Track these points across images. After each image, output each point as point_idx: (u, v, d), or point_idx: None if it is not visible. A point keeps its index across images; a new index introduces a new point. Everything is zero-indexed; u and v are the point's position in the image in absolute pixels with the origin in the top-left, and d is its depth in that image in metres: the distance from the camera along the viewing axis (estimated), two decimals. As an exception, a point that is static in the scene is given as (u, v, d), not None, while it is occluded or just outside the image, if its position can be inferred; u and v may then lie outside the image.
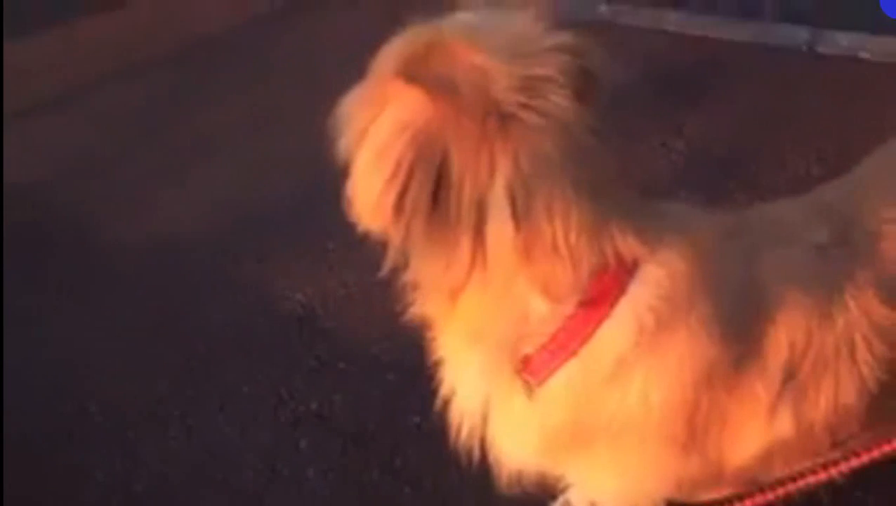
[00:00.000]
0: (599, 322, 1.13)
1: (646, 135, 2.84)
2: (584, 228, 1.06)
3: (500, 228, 1.03)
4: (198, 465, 2.14)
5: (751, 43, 3.27)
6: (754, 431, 1.22)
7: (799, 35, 3.23)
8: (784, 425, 1.22)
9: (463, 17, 1.12)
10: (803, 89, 2.99)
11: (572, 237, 1.05)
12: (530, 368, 1.17)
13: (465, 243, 1.04)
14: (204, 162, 3.23)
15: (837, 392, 1.23)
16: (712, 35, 3.35)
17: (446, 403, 1.31)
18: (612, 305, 1.12)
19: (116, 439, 2.23)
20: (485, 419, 1.27)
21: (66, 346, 2.55)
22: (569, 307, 1.12)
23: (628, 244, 1.10)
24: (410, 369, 1.30)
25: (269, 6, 4.14)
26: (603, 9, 3.66)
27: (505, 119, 1.02)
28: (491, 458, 1.34)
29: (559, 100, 1.04)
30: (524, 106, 1.02)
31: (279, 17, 4.00)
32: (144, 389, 2.34)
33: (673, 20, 3.48)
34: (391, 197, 1.01)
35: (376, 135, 1.03)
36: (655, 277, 1.13)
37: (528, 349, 1.15)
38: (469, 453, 1.31)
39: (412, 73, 1.03)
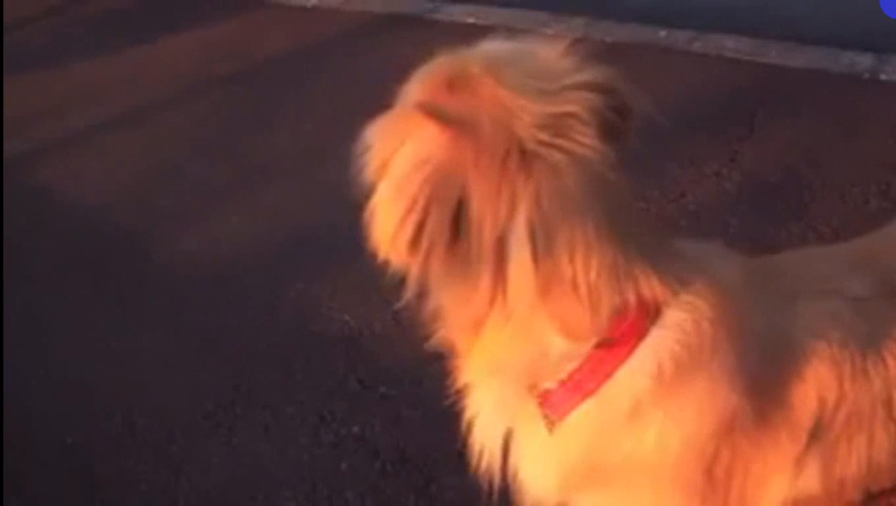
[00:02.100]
0: (619, 363, 1.11)
1: (699, 163, 2.80)
2: (604, 269, 1.05)
3: (520, 265, 1.02)
4: (239, 482, 2.17)
5: (810, 69, 3.20)
6: (779, 485, 1.18)
7: (861, 61, 3.16)
8: (811, 481, 1.19)
9: (490, 46, 1.12)
10: (864, 118, 2.92)
11: (593, 277, 1.04)
12: (549, 403, 1.16)
13: (486, 279, 1.04)
14: (259, 183, 3.29)
15: (871, 450, 1.19)
16: (771, 61, 3.30)
17: (469, 429, 1.30)
18: (632, 348, 1.11)
19: (161, 453, 2.27)
20: (506, 449, 1.27)
21: (117, 360, 2.61)
22: (589, 346, 1.10)
23: (651, 286, 1.08)
24: (452, 396, 1.30)
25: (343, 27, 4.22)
26: (662, 34, 3.63)
27: (527, 157, 1.01)
28: (514, 487, 1.33)
29: (583, 138, 1.03)
30: (546, 144, 1.01)
31: (353, 39, 4.04)
32: (190, 405, 2.39)
33: (731, 46, 3.44)
34: (407, 232, 1.01)
35: (396, 168, 1.04)
36: (678, 322, 1.11)
37: (547, 385, 1.14)
38: (490, 480, 1.31)
39: (434, 107, 1.03)
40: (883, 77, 3.08)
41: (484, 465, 1.30)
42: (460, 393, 1.29)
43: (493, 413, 1.24)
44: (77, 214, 3.32)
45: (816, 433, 1.17)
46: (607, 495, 1.22)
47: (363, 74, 3.74)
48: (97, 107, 4.05)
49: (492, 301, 1.05)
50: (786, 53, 3.32)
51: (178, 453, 2.27)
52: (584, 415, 1.15)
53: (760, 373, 1.15)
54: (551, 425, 1.17)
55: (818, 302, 1.19)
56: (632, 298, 1.08)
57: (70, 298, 2.90)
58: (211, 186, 3.34)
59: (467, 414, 1.29)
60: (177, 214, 3.22)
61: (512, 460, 1.28)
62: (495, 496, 1.34)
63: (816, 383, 1.16)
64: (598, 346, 1.10)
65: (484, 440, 1.28)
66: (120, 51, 4.51)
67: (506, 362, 1.13)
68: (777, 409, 1.16)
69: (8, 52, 4.80)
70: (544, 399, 1.16)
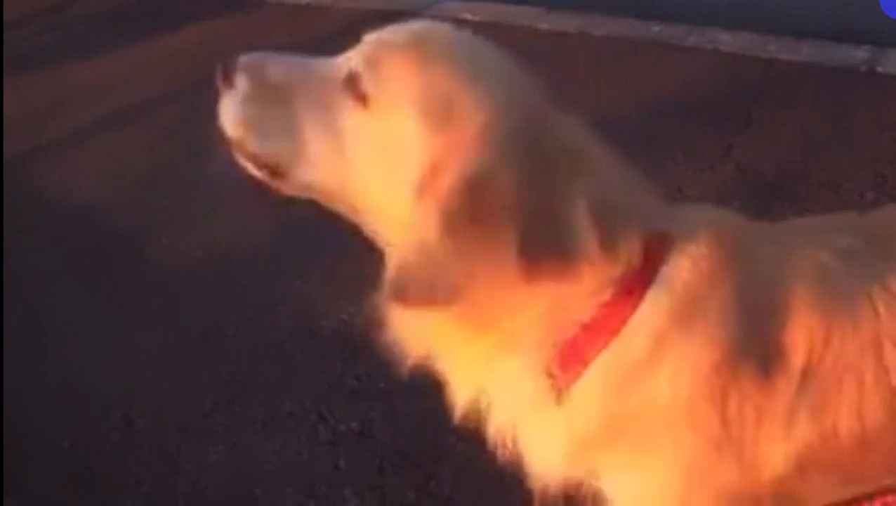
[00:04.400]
0: (635, 305, 1.17)
1: (695, 156, 2.80)
2: (616, 219, 1.14)
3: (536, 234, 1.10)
4: (238, 480, 2.17)
5: (806, 63, 3.21)
6: (779, 431, 1.20)
7: (857, 54, 3.16)
8: (804, 430, 1.19)
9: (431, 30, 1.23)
10: (860, 111, 2.92)
11: (606, 228, 1.13)
12: (569, 356, 1.19)
13: (504, 252, 1.09)
14: (258, 182, 3.28)
15: (861, 398, 1.19)
16: (766, 55, 3.30)
17: (480, 416, 1.31)
18: (643, 291, 1.18)
19: (160, 452, 2.28)
20: (515, 430, 1.29)
21: (115, 359, 2.62)
22: (604, 296, 1.17)
23: (656, 235, 1.17)
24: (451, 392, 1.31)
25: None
26: (657, 29, 3.63)
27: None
28: (526, 469, 1.33)
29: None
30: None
31: (349, 36, 4.04)
32: (189, 404, 2.39)
33: (726, 40, 3.44)
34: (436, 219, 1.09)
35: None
36: (684, 266, 1.18)
37: (566, 336, 1.19)
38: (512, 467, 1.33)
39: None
40: (879, 70, 3.08)
41: (505, 450, 1.31)
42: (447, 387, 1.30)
43: (510, 395, 1.25)
44: (75, 213, 3.32)
45: (805, 379, 1.18)
46: (624, 457, 1.24)
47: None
48: (96, 106, 4.05)
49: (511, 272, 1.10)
50: (782, 47, 3.32)
51: (177, 452, 2.27)
52: (604, 362, 1.18)
53: (756, 314, 1.19)
54: (560, 395, 1.20)
55: (809, 250, 1.23)
56: (640, 247, 1.16)
57: (68, 297, 2.90)
58: (209, 186, 3.33)
59: (476, 403, 1.29)
60: (175, 213, 3.22)
61: (524, 440, 1.29)
62: (508, 493, 1.34)
63: (805, 328, 1.18)
64: (614, 294, 1.17)
65: (504, 424, 1.29)
66: (118, 50, 4.51)
67: (522, 332, 1.18)
68: (774, 353, 1.18)
69: (7, 51, 4.80)
70: (563, 355, 1.19)
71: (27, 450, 2.35)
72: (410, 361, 1.27)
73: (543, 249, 1.11)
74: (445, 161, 1.12)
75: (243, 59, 1.28)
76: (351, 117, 1.20)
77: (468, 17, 3.97)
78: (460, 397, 1.29)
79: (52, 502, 2.21)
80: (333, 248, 2.80)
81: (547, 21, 3.82)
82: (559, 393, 1.20)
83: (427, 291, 1.13)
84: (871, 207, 1.39)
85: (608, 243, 1.14)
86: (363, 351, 2.42)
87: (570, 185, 1.13)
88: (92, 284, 2.95)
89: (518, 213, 1.09)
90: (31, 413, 2.48)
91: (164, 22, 4.67)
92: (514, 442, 1.30)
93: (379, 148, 1.18)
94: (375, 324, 1.26)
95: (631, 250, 1.16)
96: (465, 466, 2.02)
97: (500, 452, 1.31)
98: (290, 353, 2.48)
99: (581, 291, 1.16)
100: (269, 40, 4.24)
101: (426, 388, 2.24)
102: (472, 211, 1.08)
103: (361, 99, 1.19)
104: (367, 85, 1.18)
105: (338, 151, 1.21)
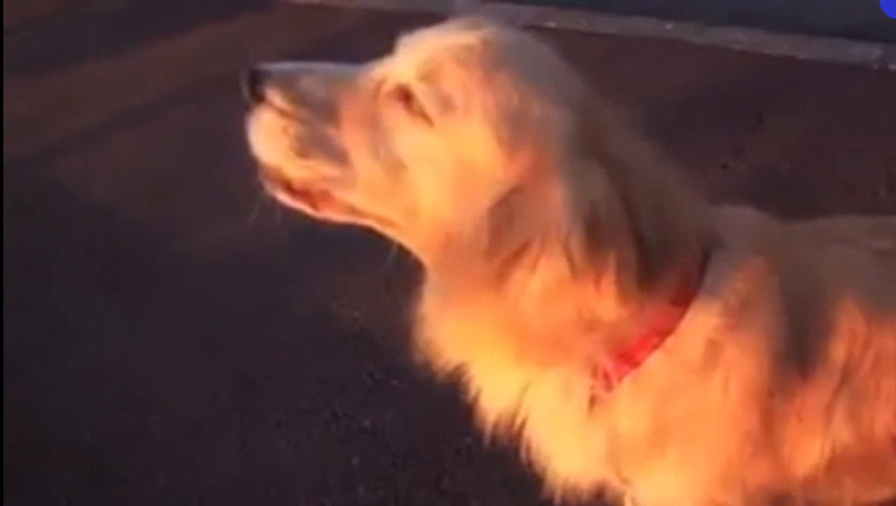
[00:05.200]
0: (684, 310, 1.16)
1: (706, 155, 2.79)
2: (679, 237, 1.12)
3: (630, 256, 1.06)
4: (251, 477, 2.19)
5: (819, 61, 3.19)
6: (815, 431, 1.20)
7: (870, 52, 3.14)
8: (841, 429, 1.20)
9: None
10: (873, 109, 2.91)
11: (674, 248, 1.11)
12: (614, 363, 1.17)
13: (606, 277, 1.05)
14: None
15: None
16: (779, 53, 3.28)
17: (522, 430, 1.30)
18: (692, 295, 1.16)
19: (175, 450, 2.30)
20: (551, 435, 1.29)
21: (129, 358, 2.64)
22: (653, 305, 1.14)
23: (701, 240, 1.16)
24: (464, 391, 1.31)
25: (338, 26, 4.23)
26: (668, 27, 3.62)
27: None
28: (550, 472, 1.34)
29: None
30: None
31: (359, 36, 4.04)
32: (203, 402, 2.41)
33: (738, 38, 3.42)
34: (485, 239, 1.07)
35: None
36: (729, 270, 1.18)
37: (619, 343, 1.16)
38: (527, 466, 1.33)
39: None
40: (892, 68, 3.06)
41: (532, 454, 1.32)
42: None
43: (552, 403, 1.24)
44: (87, 212, 3.34)
45: (845, 378, 1.19)
46: (664, 459, 1.23)
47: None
48: (107, 106, 4.07)
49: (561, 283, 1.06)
50: (794, 45, 3.30)
51: (192, 449, 2.29)
52: (655, 365, 1.17)
53: (801, 317, 1.19)
54: (612, 390, 1.19)
55: (845, 250, 1.24)
56: (697, 253, 1.15)
57: (81, 296, 2.92)
58: (221, 184, 3.35)
59: (511, 410, 1.28)
60: (187, 212, 3.23)
61: (559, 446, 1.29)
62: (520, 490, 1.34)
63: (847, 328, 1.19)
64: (662, 303, 1.14)
65: (541, 431, 1.29)
66: (129, 50, 4.52)
67: (578, 345, 1.13)
68: (815, 353, 1.19)
69: (18, 51, 4.83)
70: (613, 358, 1.16)
71: (46, 448, 2.38)
72: (443, 366, 1.23)
73: (636, 270, 1.06)
74: (529, 182, 1.06)
75: (272, 70, 1.17)
76: (411, 137, 1.10)
77: (479, 16, 3.97)
78: (495, 405, 1.28)
79: (69, 498, 2.23)
80: (347, 246, 2.82)
81: (557, 20, 3.81)
82: (603, 397, 1.20)
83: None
84: (885, 207, 1.40)
85: (675, 254, 1.12)
86: (376, 349, 2.44)
87: (646, 200, 1.08)
88: (104, 282, 2.97)
89: (620, 238, 1.05)
90: (47, 410, 2.50)
91: (178, 21, 4.69)
92: (545, 447, 1.31)
93: (450, 171, 1.08)
94: (416, 321, 1.23)
95: (688, 257, 1.15)
96: (477, 464, 2.03)
97: (524, 454, 1.32)
98: (303, 351, 2.50)
99: (627, 308, 1.11)
100: (282, 40, 4.26)
101: (438, 387, 2.27)
102: (590, 244, 1.03)
103: (420, 116, 1.09)
104: (426, 102, 1.08)
105: (397, 173, 1.11)
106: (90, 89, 4.24)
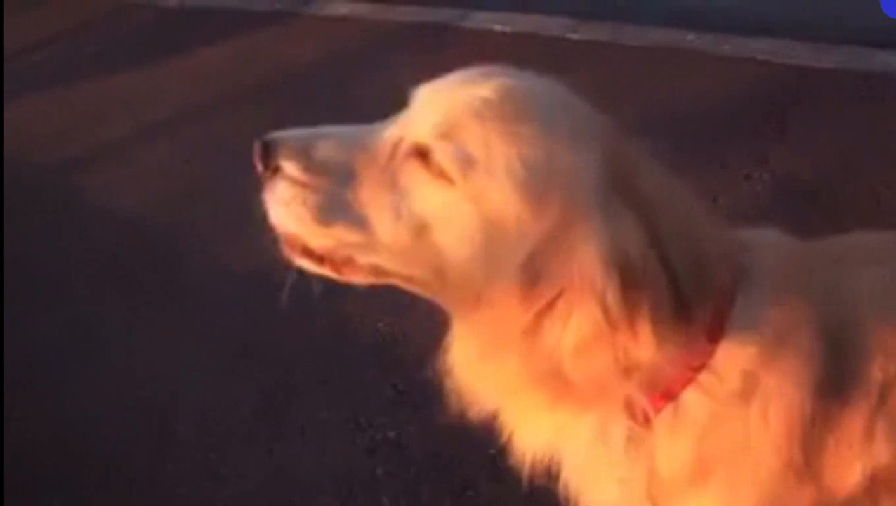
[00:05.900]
0: (718, 339, 1.14)
1: (730, 166, 2.79)
2: (709, 271, 1.10)
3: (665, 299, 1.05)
4: (276, 487, 2.21)
5: (842, 70, 3.18)
6: (855, 453, 1.19)
7: (892, 60, 3.13)
8: (881, 449, 1.19)
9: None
10: (898, 118, 2.90)
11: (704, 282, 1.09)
12: (650, 399, 1.16)
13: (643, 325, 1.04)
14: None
15: None
16: (801, 62, 3.27)
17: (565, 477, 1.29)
18: (723, 324, 1.14)
19: (200, 459, 2.32)
20: (588, 475, 1.27)
21: (155, 368, 2.67)
22: (688, 342, 1.12)
23: (730, 268, 1.14)
24: (497, 433, 1.32)
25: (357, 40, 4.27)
26: (690, 38, 3.62)
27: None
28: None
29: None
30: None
31: (384, 48, 4.07)
32: (228, 412, 2.43)
33: (760, 48, 3.42)
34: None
35: None
36: (759, 296, 1.15)
37: (655, 382, 1.15)
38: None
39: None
40: (919, 76, 3.05)
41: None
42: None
43: (593, 447, 1.22)
44: (114, 222, 3.38)
45: (883, 399, 1.17)
46: (704, 493, 1.21)
47: (395, 83, 3.76)
48: (133, 118, 4.13)
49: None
50: (816, 54, 3.29)
51: (217, 459, 2.31)
52: (692, 399, 1.16)
53: (835, 339, 1.17)
54: (649, 426, 1.17)
55: (873, 268, 1.22)
56: (728, 284, 1.14)
57: (108, 305, 2.96)
58: (246, 196, 3.38)
59: (545, 452, 1.27)
60: (212, 223, 3.26)
61: (597, 485, 1.27)
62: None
63: (880, 346, 1.17)
64: (696, 335, 1.12)
65: (577, 473, 1.28)
66: (155, 63, 4.58)
67: (616, 388, 1.11)
68: (852, 375, 1.17)
69: (47, 65, 4.91)
70: (649, 395, 1.15)
71: (71, 453, 2.41)
72: (473, 411, 1.21)
73: (670, 310, 1.05)
74: (558, 233, 1.05)
75: (285, 138, 1.15)
76: (433, 197, 1.08)
77: (500, 28, 3.99)
78: (529, 447, 1.26)
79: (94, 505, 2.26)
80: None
81: (579, 31, 3.82)
82: (641, 434, 1.19)
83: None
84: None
85: (707, 289, 1.10)
86: (400, 361, 2.45)
87: (676, 238, 1.07)
88: (130, 293, 3.00)
89: (653, 281, 1.04)
90: (74, 418, 2.53)
91: (205, 34, 4.74)
92: (581, 485, 1.29)
93: (476, 229, 1.06)
94: (442, 373, 1.22)
95: (720, 290, 1.13)
96: (501, 476, 2.03)
97: (560, 491, 1.31)
98: (327, 362, 2.51)
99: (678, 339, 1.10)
100: (308, 52, 4.30)
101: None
102: (624, 292, 1.02)
103: (440, 175, 1.07)
104: (446, 161, 1.06)
105: (421, 235, 1.09)
106: (118, 102, 4.30)
